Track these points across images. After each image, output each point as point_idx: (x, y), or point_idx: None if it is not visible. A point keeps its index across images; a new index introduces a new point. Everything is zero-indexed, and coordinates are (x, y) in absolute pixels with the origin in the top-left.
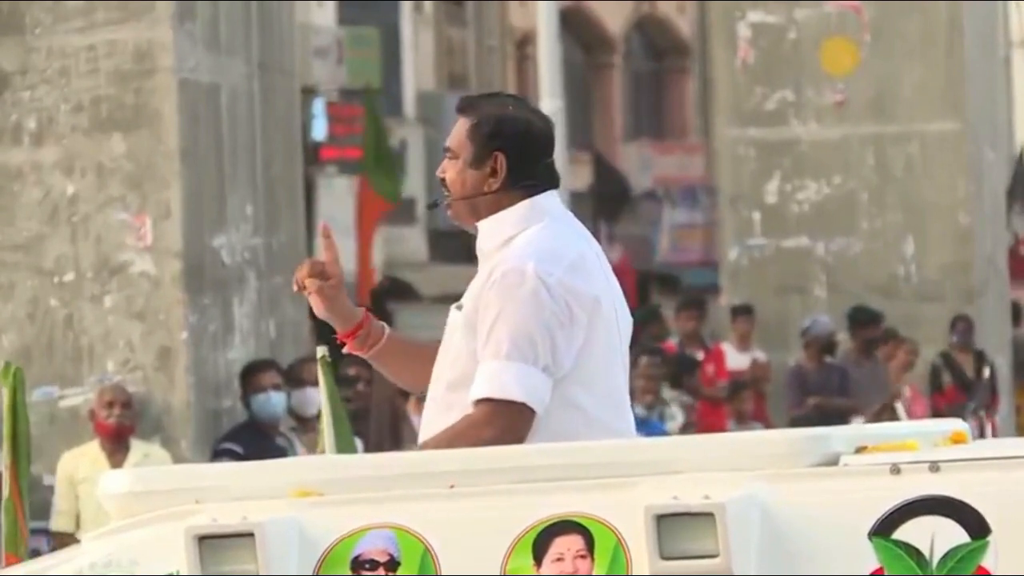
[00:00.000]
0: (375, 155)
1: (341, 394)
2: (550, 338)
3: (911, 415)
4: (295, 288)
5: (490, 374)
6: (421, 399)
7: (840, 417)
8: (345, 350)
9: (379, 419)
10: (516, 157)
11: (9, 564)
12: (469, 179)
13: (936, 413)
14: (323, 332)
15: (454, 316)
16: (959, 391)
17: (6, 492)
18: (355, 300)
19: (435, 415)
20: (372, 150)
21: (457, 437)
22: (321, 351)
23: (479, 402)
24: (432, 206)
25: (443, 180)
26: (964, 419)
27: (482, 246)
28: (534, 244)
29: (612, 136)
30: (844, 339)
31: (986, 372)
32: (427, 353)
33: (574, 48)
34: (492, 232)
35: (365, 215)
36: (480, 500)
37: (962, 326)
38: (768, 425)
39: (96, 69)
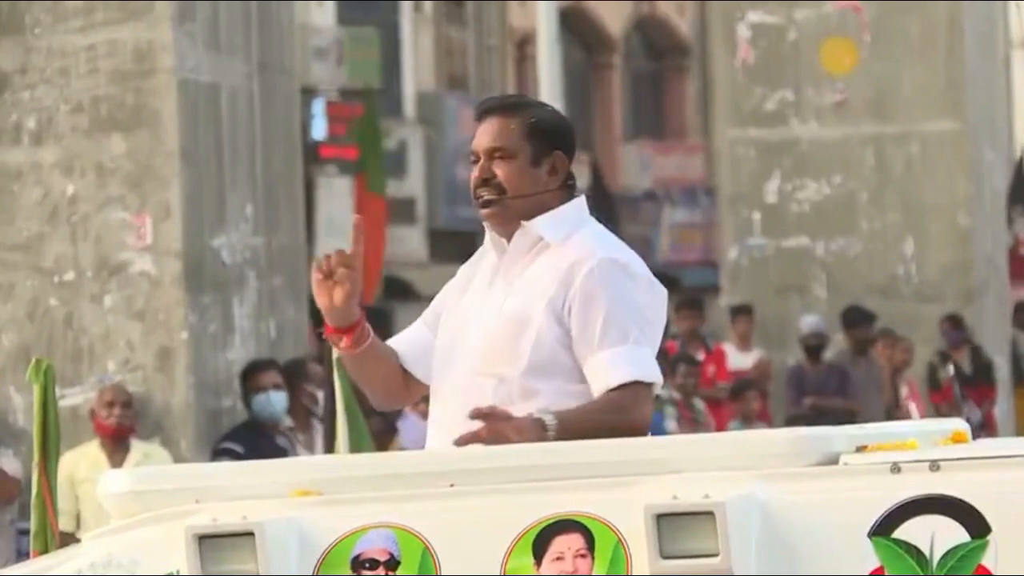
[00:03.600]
0: (371, 153)
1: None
2: (658, 322)
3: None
4: (319, 274)
5: (627, 359)
6: (421, 400)
7: (837, 417)
8: (342, 347)
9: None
10: (568, 158)
11: None
12: (529, 178)
13: (936, 411)
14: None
15: (511, 303)
16: (960, 388)
17: (35, 489)
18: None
19: (506, 399)
20: (369, 149)
21: (607, 422)
22: (337, 352)
23: (623, 387)
24: (486, 205)
25: (486, 180)
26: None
27: (549, 238)
28: (608, 239)
29: (612, 136)
30: (840, 339)
31: (950, 370)
32: (395, 362)
33: (574, 48)
34: (553, 227)
35: (364, 216)
36: (480, 499)
37: (945, 326)
38: (772, 425)
39: (96, 69)
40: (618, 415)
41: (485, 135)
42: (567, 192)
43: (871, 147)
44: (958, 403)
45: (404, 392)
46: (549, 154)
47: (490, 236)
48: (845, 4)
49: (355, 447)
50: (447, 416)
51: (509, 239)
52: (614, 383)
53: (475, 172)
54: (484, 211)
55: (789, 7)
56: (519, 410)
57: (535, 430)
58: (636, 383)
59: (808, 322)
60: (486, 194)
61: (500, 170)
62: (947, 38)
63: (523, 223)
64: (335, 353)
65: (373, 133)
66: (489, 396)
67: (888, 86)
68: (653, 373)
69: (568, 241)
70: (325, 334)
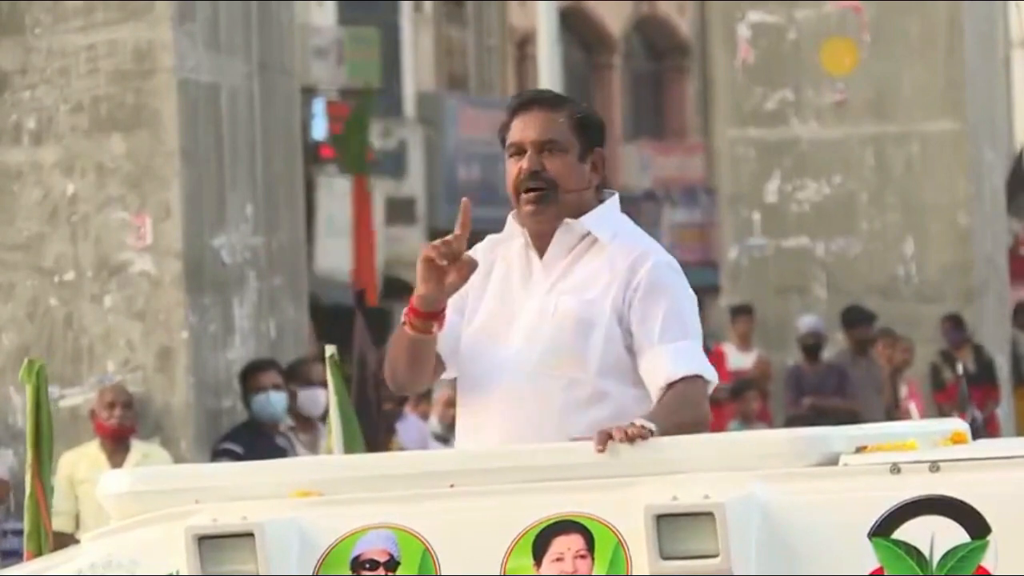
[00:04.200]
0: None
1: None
2: None
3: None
4: (441, 257)
5: (688, 354)
6: (420, 400)
7: (837, 417)
8: (434, 331)
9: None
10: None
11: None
12: (576, 173)
13: (940, 411)
14: (325, 332)
15: (566, 303)
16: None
17: (28, 490)
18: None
19: (576, 401)
20: (356, 147)
21: (685, 418)
22: (330, 350)
23: (686, 380)
24: (540, 199)
25: (535, 173)
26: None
27: (600, 237)
28: (649, 239)
29: (612, 136)
30: (840, 339)
31: (959, 369)
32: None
33: (574, 48)
34: (602, 225)
35: (363, 214)
36: (480, 500)
37: (947, 326)
38: (772, 425)
39: (96, 69)
40: (693, 410)
41: (532, 128)
42: (598, 191)
43: (871, 147)
44: (964, 403)
45: (438, 373)
46: (591, 151)
47: (519, 231)
48: (845, 4)
49: (348, 448)
50: (504, 418)
51: (541, 235)
52: (676, 376)
53: (523, 164)
54: (535, 205)
55: (789, 7)
56: (588, 414)
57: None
58: (698, 377)
59: (806, 322)
60: (536, 186)
61: (551, 164)
62: (947, 38)
63: (567, 220)
64: (328, 351)
65: (361, 136)
66: (558, 398)
67: (888, 86)
68: (712, 371)
69: (615, 240)
70: (413, 319)
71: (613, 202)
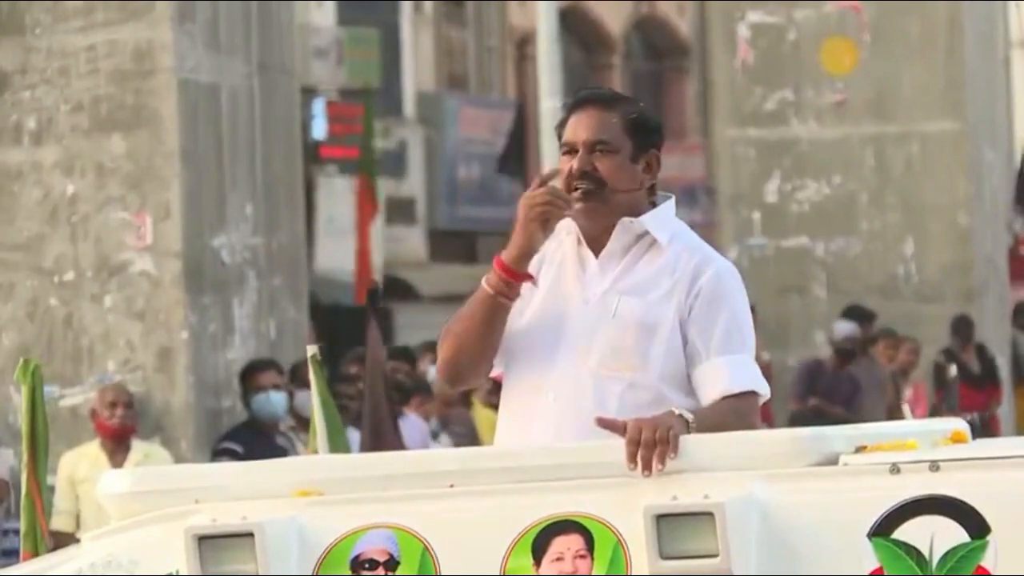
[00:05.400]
0: (370, 156)
1: (343, 392)
2: None
3: (913, 416)
4: (562, 203)
5: (746, 367)
6: (424, 401)
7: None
8: (522, 288)
9: (374, 418)
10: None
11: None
12: (627, 174)
13: (940, 411)
14: (325, 332)
15: (628, 305)
16: (966, 387)
17: (24, 490)
18: (355, 299)
19: (636, 406)
20: (369, 151)
21: (731, 428)
22: (312, 350)
23: (741, 395)
24: (587, 198)
25: (585, 173)
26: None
27: (659, 238)
28: (704, 243)
29: None
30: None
31: (952, 370)
32: None
33: (574, 48)
34: (660, 226)
35: (364, 215)
36: (480, 500)
37: (962, 326)
38: (772, 425)
39: (96, 69)
40: (741, 421)
41: (584, 127)
42: (651, 193)
43: (871, 147)
44: (952, 404)
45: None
46: (646, 152)
47: (571, 227)
48: (845, 4)
49: (334, 449)
50: (557, 418)
51: (595, 234)
52: (733, 391)
53: (574, 164)
54: (584, 202)
55: (789, 7)
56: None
57: (682, 427)
58: (752, 393)
59: (843, 328)
60: (584, 186)
61: (601, 164)
62: (947, 38)
63: (625, 219)
64: (310, 351)
65: (371, 132)
66: (615, 400)
67: (888, 86)
68: (766, 386)
69: (672, 243)
70: (507, 278)
71: (669, 204)
